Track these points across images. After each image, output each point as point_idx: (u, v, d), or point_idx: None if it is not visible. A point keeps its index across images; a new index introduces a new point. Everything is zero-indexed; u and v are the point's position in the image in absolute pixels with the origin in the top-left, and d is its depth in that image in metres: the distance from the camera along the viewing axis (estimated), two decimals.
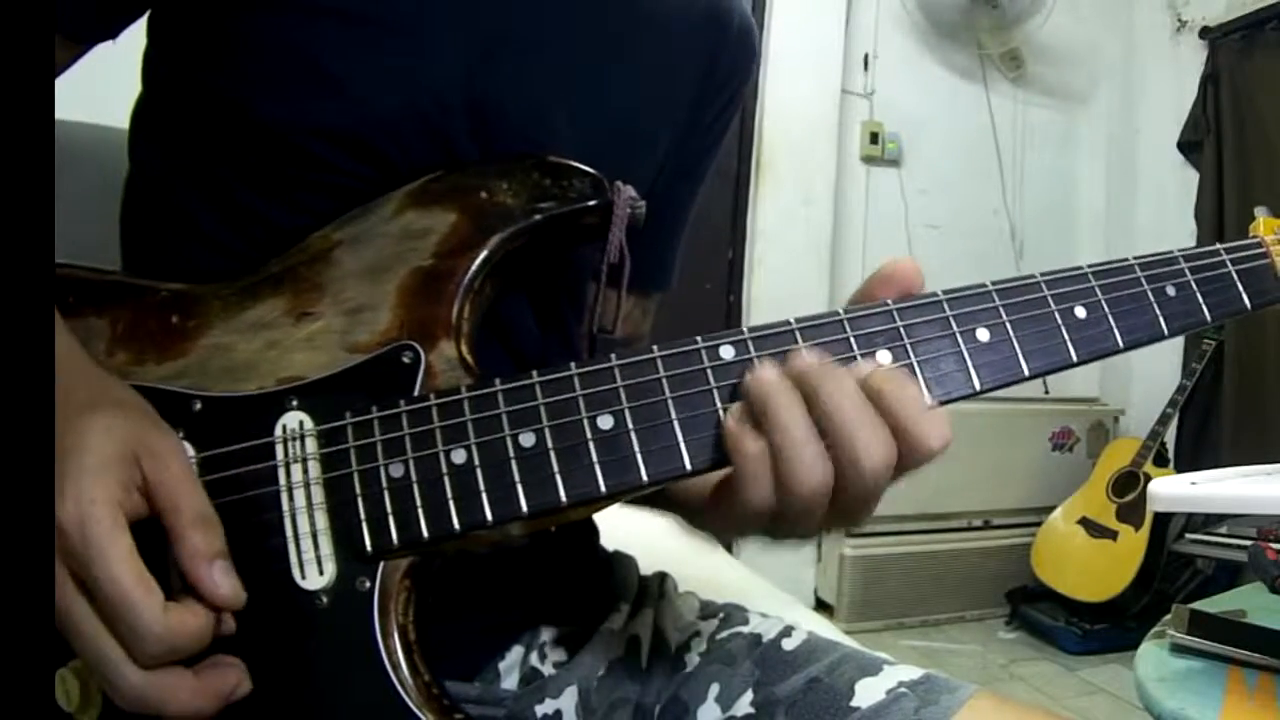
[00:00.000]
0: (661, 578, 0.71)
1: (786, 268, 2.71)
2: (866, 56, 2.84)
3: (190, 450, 0.44)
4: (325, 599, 0.43)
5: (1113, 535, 2.51)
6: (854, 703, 0.56)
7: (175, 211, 0.55)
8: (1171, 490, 0.93)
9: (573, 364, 0.45)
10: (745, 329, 0.45)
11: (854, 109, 2.84)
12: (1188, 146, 2.87)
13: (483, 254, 0.49)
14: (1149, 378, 2.83)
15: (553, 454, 0.43)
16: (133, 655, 0.36)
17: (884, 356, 0.45)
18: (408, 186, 0.51)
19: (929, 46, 2.93)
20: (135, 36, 0.58)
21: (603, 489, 0.43)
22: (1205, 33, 2.80)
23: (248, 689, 0.40)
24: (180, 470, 0.40)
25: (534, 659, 0.61)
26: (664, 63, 0.62)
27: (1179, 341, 2.74)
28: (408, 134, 0.52)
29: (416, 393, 0.45)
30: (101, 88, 0.72)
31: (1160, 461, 2.60)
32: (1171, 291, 0.50)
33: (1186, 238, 2.81)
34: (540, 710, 0.58)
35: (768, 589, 1.03)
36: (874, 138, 2.85)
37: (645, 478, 0.43)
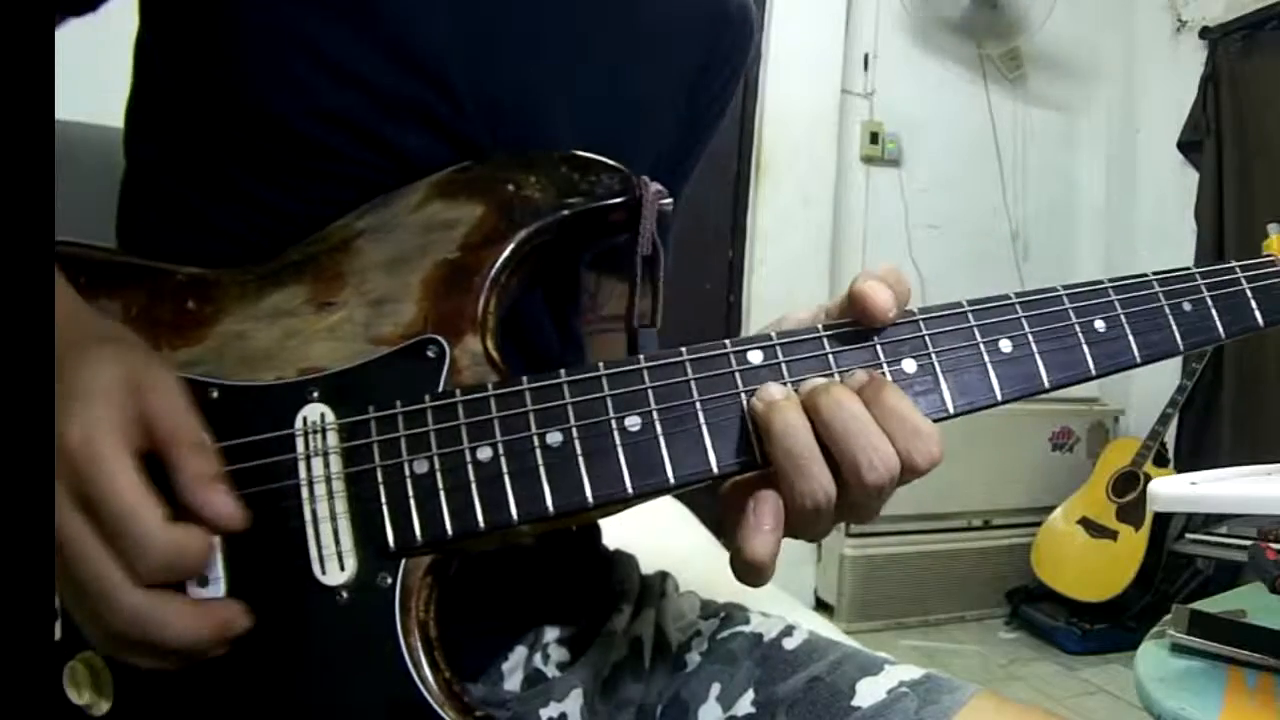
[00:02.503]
0: (663, 577, 0.71)
1: (786, 268, 2.71)
2: (866, 56, 2.84)
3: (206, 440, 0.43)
4: (346, 595, 0.42)
5: (1113, 535, 2.51)
6: (855, 702, 0.56)
7: (177, 203, 0.55)
8: (1171, 490, 0.94)
9: (601, 364, 0.45)
10: (774, 334, 0.46)
11: (854, 109, 2.84)
12: (1188, 146, 2.87)
13: (509, 247, 0.48)
14: (1149, 378, 2.82)
15: (580, 454, 0.43)
16: (134, 569, 0.36)
17: (909, 365, 0.46)
18: (432, 177, 0.50)
19: (929, 46, 2.93)
20: (133, 36, 0.58)
21: (630, 490, 0.43)
22: (1205, 33, 2.80)
23: (247, 625, 0.39)
24: (178, 401, 0.40)
25: (537, 660, 0.61)
26: (664, 49, 0.62)
27: None
28: (404, 116, 0.52)
29: (441, 388, 0.45)
30: (101, 88, 0.72)
31: (1160, 461, 2.60)
32: (1188, 307, 0.50)
33: (1187, 237, 2.81)
34: (545, 714, 0.57)
35: (768, 589, 1.03)
36: (874, 138, 2.85)
37: (672, 479, 0.43)
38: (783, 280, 2.70)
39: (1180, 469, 2.66)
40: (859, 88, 2.84)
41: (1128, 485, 2.55)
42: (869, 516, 0.44)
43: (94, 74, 0.64)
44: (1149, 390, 2.80)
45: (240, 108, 0.52)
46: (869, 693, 0.56)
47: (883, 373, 0.45)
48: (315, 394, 0.44)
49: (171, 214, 0.55)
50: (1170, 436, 2.69)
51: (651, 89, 0.62)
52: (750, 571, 0.43)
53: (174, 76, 0.55)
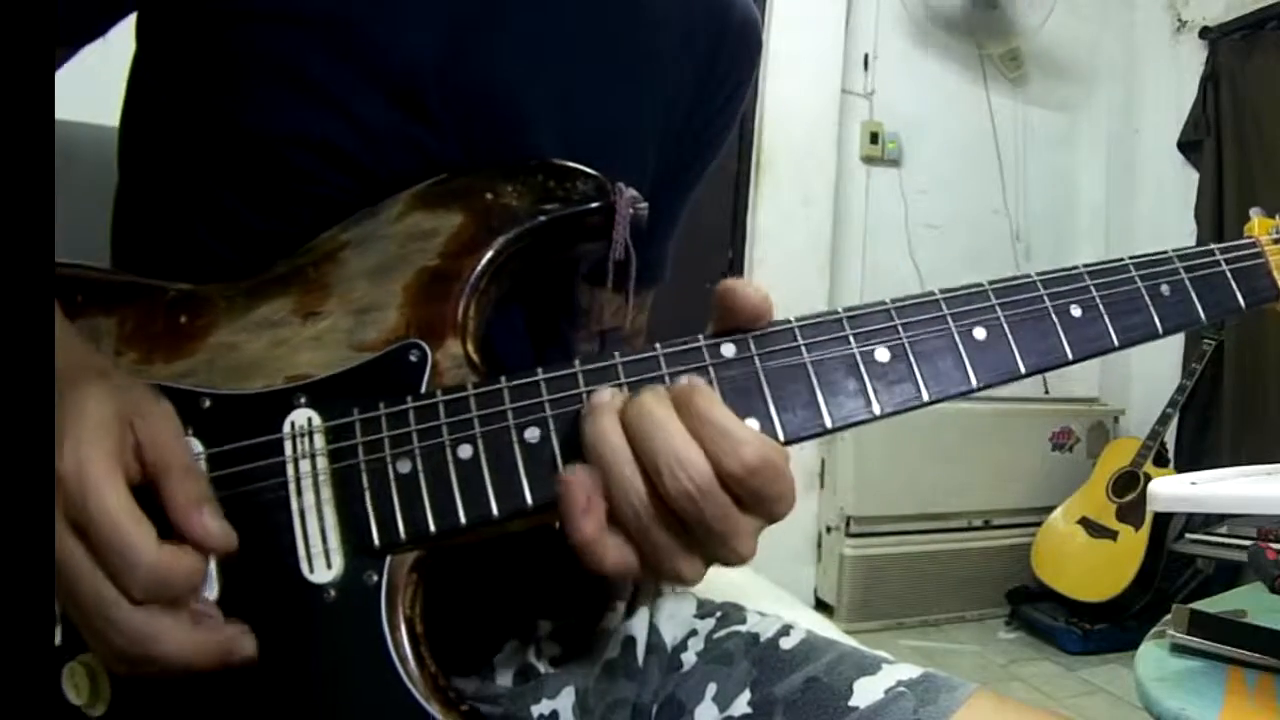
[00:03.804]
0: None
1: (786, 268, 2.71)
2: (866, 56, 2.84)
3: (198, 446, 0.45)
4: (333, 592, 0.43)
5: (1113, 535, 2.51)
6: (852, 702, 0.55)
7: (167, 220, 0.56)
8: (1171, 490, 0.93)
9: (577, 361, 0.45)
10: (750, 335, 0.46)
11: (854, 109, 2.84)
12: (1188, 146, 2.87)
13: (488, 254, 0.50)
14: (1149, 378, 2.83)
15: (557, 449, 0.44)
16: (127, 589, 0.37)
17: (882, 354, 0.46)
18: (414, 188, 0.51)
19: (929, 46, 2.93)
20: (132, 34, 0.58)
21: None
22: (1205, 33, 2.80)
23: (251, 653, 0.40)
24: (170, 431, 0.41)
25: (530, 655, 0.61)
26: (659, 64, 0.62)
27: (1179, 341, 2.74)
28: (386, 142, 0.53)
29: (423, 390, 0.46)
30: (101, 88, 0.72)
31: (1160, 461, 2.60)
32: (1166, 291, 0.51)
33: (1187, 237, 2.81)
34: (537, 710, 0.57)
35: (766, 588, 1.03)
36: (874, 138, 2.85)
37: None
38: (783, 280, 2.69)
39: (1180, 469, 2.67)
40: (859, 88, 2.84)
41: (1128, 485, 2.55)
42: (724, 548, 0.41)
43: (94, 74, 0.64)
44: (1149, 390, 2.80)
45: (228, 130, 0.53)
46: (867, 692, 0.56)
47: (854, 361, 0.45)
48: (303, 400, 0.46)
49: (165, 233, 0.56)
50: (1170, 436, 2.69)
51: (644, 110, 0.62)
52: (588, 560, 0.40)
53: (167, 97, 0.56)
